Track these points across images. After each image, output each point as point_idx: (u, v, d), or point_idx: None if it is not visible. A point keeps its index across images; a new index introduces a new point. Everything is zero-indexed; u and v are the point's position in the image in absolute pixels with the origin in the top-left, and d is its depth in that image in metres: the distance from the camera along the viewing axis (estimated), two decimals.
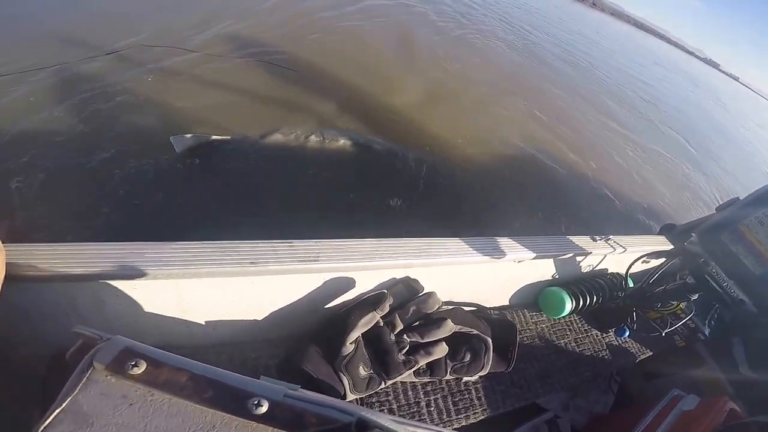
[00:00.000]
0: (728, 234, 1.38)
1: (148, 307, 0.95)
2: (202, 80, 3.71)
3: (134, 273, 0.85)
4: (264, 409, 0.44)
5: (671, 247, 1.75)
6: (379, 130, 4.09)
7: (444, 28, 8.27)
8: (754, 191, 1.44)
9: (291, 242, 1.01)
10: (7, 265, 0.75)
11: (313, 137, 3.51)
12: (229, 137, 3.09)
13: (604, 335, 1.81)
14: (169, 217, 2.40)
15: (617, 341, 1.83)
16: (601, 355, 1.73)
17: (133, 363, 0.44)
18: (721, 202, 1.55)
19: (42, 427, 0.41)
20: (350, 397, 1.11)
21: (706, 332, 1.96)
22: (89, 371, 0.44)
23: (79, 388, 0.43)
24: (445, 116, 4.92)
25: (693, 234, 1.47)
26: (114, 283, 0.86)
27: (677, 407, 1.64)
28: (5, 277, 0.73)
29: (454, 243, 1.26)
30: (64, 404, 0.43)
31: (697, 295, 1.68)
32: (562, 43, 13.13)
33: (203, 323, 1.04)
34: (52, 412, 0.42)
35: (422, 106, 4.90)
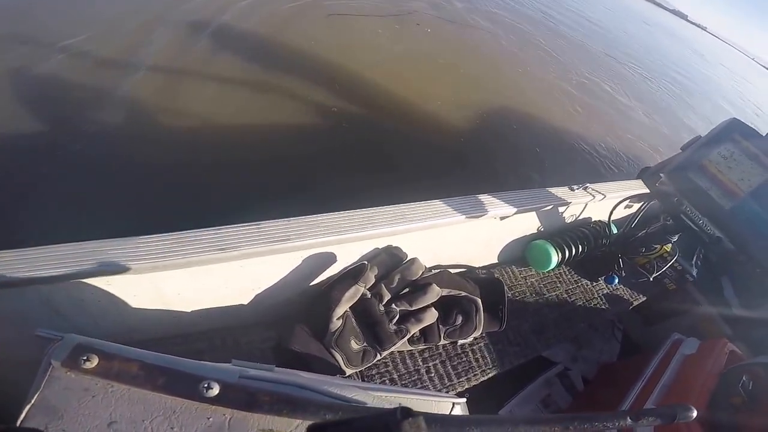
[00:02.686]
0: (694, 171, 1.39)
1: (129, 303, 0.95)
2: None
3: (106, 270, 0.84)
4: (215, 391, 0.46)
5: (648, 190, 1.76)
6: (342, 95, 4.05)
7: None
8: (715, 127, 1.45)
9: (258, 224, 0.99)
10: None
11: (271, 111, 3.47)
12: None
13: (595, 284, 1.83)
14: (129, 211, 2.33)
15: (608, 289, 1.85)
16: (593, 303, 1.76)
17: (85, 358, 0.46)
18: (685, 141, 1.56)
19: (18, 422, 0.45)
20: (348, 372, 1.11)
21: (694, 273, 1.98)
22: (49, 369, 0.47)
23: (43, 384, 0.46)
24: (412, 80, 4.89)
25: (662, 174, 1.48)
26: (88, 282, 0.85)
27: (679, 352, 1.67)
28: None
29: (433, 205, 1.25)
30: (33, 400, 0.46)
31: (677, 236, 1.71)
32: None
33: (189, 312, 1.03)
34: (24, 408, 0.46)
35: (391, 71, 4.84)
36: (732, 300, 2.05)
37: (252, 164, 2.94)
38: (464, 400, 0.76)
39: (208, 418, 0.46)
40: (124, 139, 2.79)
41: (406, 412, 0.31)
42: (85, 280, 0.84)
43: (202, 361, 0.51)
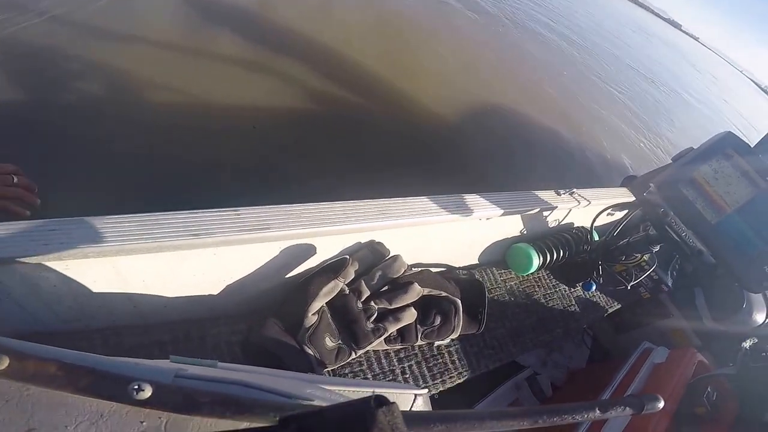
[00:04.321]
0: (685, 183, 1.39)
1: (88, 288, 0.88)
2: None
3: (63, 253, 0.77)
4: (147, 393, 0.41)
5: (633, 198, 1.77)
6: (324, 89, 3.94)
7: None
8: (707, 140, 1.45)
9: (237, 210, 0.93)
10: None
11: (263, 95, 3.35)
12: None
13: (572, 290, 1.83)
14: (95, 187, 2.21)
15: (585, 295, 1.86)
16: (570, 310, 1.76)
17: None
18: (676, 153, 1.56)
19: None
20: (320, 370, 1.07)
21: (669, 283, 2.02)
22: None
23: None
24: (404, 73, 4.80)
25: (651, 184, 1.47)
26: (43, 264, 0.78)
27: (648, 360, 1.70)
28: None
29: (419, 202, 1.21)
30: None
31: (659, 246, 1.72)
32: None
33: (153, 301, 0.97)
34: None
35: (383, 62, 4.75)
36: (703, 311, 2.09)
37: (233, 145, 2.84)
38: (426, 390, 0.74)
39: (142, 422, 0.42)
40: (98, 112, 2.65)
41: (381, 401, 0.30)
42: (40, 262, 0.77)
43: (134, 360, 0.46)
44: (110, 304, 0.93)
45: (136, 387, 0.40)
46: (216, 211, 0.91)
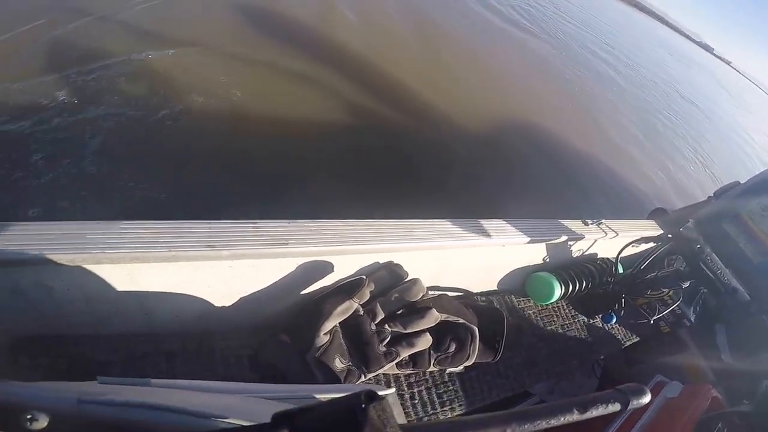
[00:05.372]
0: (729, 221, 1.33)
1: (102, 293, 0.86)
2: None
3: (80, 256, 0.76)
4: (42, 423, 0.36)
5: (661, 232, 1.70)
6: (360, 101, 3.91)
7: None
8: (754, 176, 1.38)
9: (256, 223, 0.91)
10: None
11: (291, 107, 3.33)
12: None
13: (591, 321, 1.77)
14: (118, 193, 2.21)
15: (604, 327, 1.80)
16: (587, 341, 1.70)
17: None
18: (717, 187, 1.49)
19: None
20: None
21: (692, 319, 1.94)
22: None
23: None
24: (435, 90, 4.75)
25: (690, 220, 1.41)
26: (60, 266, 0.77)
27: (661, 394, 1.63)
28: None
29: (441, 225, 1.18)
30: None
31: (689, 282, 1.65)
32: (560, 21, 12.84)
33: (164, 311, 0.95)
34: None
35: (414, 79, 4.70)
36: (723, 348, 2.01)
37: (256, 156, 2.82)
38: (393, 390, 0.70)
39: None
40: (127, 115, 2.67)
41: (371, 396, 0.30)
42: (57, 264, 0.75)
43: (40, 384, 0.43)
44: (122, 311, 0.91)
45: (30, 416, 0.36)
46: (234, 223, 0.89)
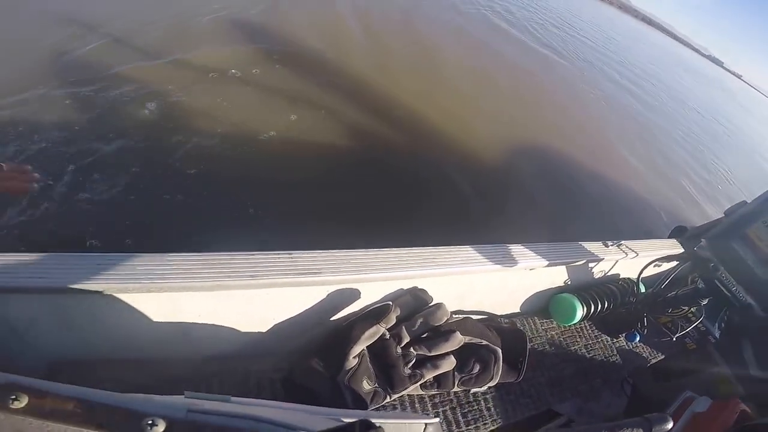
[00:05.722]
0: (737, 239, 1.36)
1: (145, 321, 0.93)
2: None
3: (129, 286, 0.82)
4: (160, 428, 0.42)
5: (682, 250, 1.71)
6: (383, 126, 3.99)
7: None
8: (760, 194, 1.41)
9: (291, 254, 0.97)
10: None
11: (309, 135, 3.41)
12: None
13: (615, 341, 1.77)
14: (159, 225, 2.30)
15: (628, 346, 1.79)
16: (611, 360, 1.70)
17: (13, 397, 0.43)
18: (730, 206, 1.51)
19: None
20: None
21: (717, 335, 1.92)
22: None
23: None
24: (450, 113, 4.81)
25: (703, 239, 1.43)
26: (109, 296, 0.84)
27: (689, 409, 1.62)
28: None
29: (464, 252, 1.22)
30: None
31: (708, 299, 1.65)
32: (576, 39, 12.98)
33: (204, 336, 1.01)
34: None
35: (428, 102, 4.78)
36: (750, 361, 1.98)
37: (282, 185, 2.87)
38: (437, 420, 0.73)
39: None
40: (154, 141, 2.79)
41: (367, 425, 0.31)
42: (104, 294, 0.82)
43: (147, 396, 0.48)
44: (163, 336, 0.97)
45: (150, 422, 0.42)
46: (272, 254, 0.95)
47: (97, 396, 0.45)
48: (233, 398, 0.49)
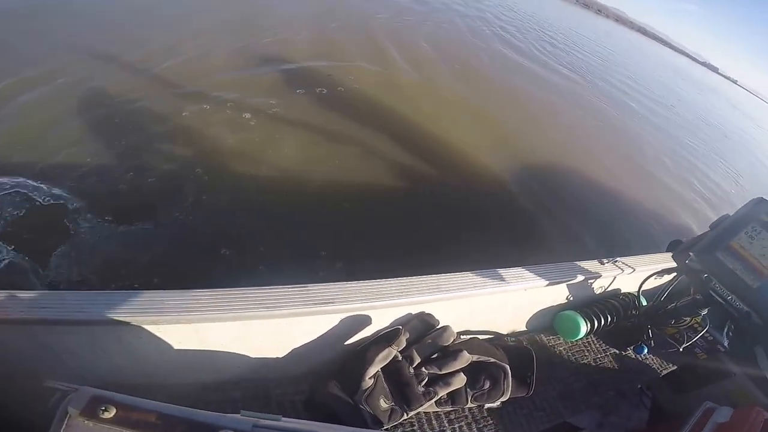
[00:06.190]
0: (722, 251, 1.42)
1: (173, 349, 1.02)
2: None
3: (157, 319, 0.92)
4: None
5: (677, 264, 1.78)
6: (383, 148, 4.07)
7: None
8: (742, 206, 1.48)
9: (305, 286, 1.07)
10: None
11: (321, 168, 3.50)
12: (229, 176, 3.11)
13: (623, 353, 1.81)
14: (178, 263, 2.41)
15: (637, 358, 1.83)
16: (622, 372, 1.74)
17: (103, 408, 0.49)
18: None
19: None
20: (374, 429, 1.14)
21: (725, 343, 1.94)
22: (66, 418, 0.48)
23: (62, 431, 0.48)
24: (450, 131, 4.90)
25: (691, 253, 1.50)
26: (138, 328, 0.93)
27: (711, 419, 1.62)
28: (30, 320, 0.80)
29: (465, 277, 1.31)
30: None
31: (707, 310, 1.70)
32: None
33: (227, 363, 1.10)
34: None
35: (433, 123, 4.89)
36: (765, 369, 1.99)
37: (298, 219, 2.90)
38: None
39: None
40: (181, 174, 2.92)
41: None
42: (137, 326, 0.92)
43: (215, 413, 0.53)
44: (190, 363, 1.06)
45: None
46: (288, 288, 1.05)
47: (176, 410, 0.51)
48: (284, 418, 0.55)
